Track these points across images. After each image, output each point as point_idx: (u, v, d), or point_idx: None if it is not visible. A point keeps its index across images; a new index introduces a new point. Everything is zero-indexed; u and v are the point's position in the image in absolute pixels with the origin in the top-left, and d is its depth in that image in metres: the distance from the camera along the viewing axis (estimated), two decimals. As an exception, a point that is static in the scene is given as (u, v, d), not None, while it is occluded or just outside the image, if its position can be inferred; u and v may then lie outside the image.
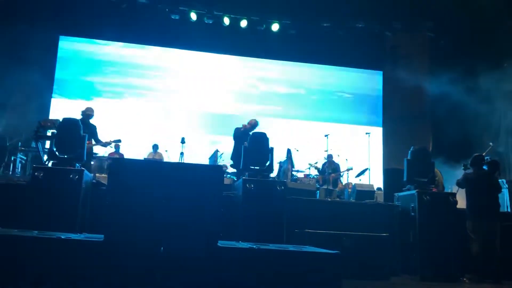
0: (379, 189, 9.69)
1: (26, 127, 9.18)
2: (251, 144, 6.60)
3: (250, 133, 8.26)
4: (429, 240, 6.29)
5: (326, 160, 10.89)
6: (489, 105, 11.01)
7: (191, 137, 10.80)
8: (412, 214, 6.51)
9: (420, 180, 6.74)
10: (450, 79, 11.54)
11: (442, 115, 11.99)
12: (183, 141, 9.77)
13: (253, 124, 8.53)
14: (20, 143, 10.00)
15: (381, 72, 14.30)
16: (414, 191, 6.57)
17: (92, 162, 8.75)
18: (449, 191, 8.17)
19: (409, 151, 7.02)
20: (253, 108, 13.50)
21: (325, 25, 12.83)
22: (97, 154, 9.54)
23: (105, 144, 8.38)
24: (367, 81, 14.35)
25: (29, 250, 3.36)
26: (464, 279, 6.31)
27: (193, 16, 12.55)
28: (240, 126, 8.58)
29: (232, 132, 8.55)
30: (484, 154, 7.26)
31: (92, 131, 8.07)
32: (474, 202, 6.68)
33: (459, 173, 7.37)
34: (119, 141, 8.71)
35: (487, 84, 10.83)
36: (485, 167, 6.88)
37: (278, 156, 9.03)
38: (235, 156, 8.32)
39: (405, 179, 6.92)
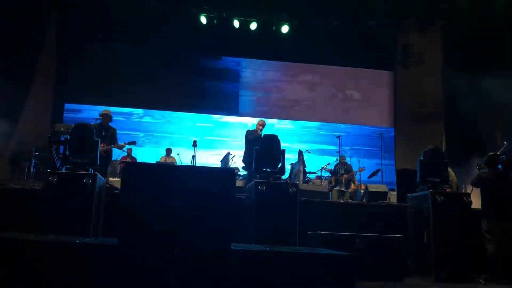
0: (391, 189, 9.62)
1: (40, 132, 9.30)
2: (262, 146, 6.60)
3: (259, 133, 8.33)
4: (443, 241, 6.22)
5: (337, 161, 10.86)
6: (504, 103, 10.87)
7: (203, 140, 10.86)
8: (426, 214, 6.45)
9: (433, 180, 6.67)
10: (463, 78, 11.43)
11: (455, 114, 11.88)
12: (195, 145, 9.82)
13: (264, 124, 8.59)
14: (34, 149, 10.13)
15: (392, 72, 14.20)
16: (427, 192, 6.50)
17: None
18: (463, 191, 8.09)
19: (422, 151, 6.96)
20: (263, 110, 13.50)
21: (335, 24, 12.76)
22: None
23: (120, 147, 8.41)
24: (379, 81, 14.26)
25: (45, 254, 3.40)
26: (480, 280, 6.22)
27: (203, 19, 12.60)
28: (251, 128, 8.61)
29: (244, 135, 8.59)
30: (499, 153, 7.16)
31: (112, 134, 8.12)
32: (489, 202, 6.60)
33: (473, 173, 7.28)
34: (134, 142, 8.73)
35: (501, 82, 10.70)
36: (500, 167, 6.79)
37: (290, 158, 9.02)
38: (247, 158, 8.35)
39: (418, 179, 6.86)
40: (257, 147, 6.67)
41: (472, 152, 10.04)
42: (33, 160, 10.30)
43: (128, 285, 3.36)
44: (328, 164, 11.15)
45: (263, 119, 9.11)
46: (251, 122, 8.93)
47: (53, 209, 5.55)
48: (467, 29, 12.21)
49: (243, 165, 8.52)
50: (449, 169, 7.43)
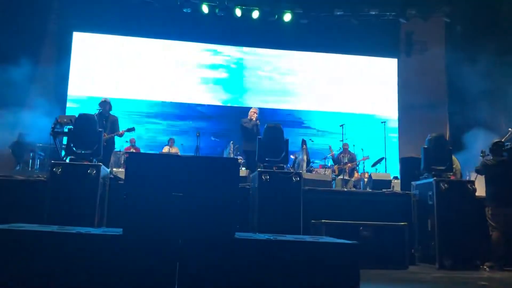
0: (395, 178, 9.60)
1: (43, 124, 9.30)
2: (266, 135, 6.60)
3: (257, 121, 8.37)
4: (447, 229, 6.23)
5: (341, 150, 10.83)
6: (508, 90, 10.80)
7: (205, 130, 10.86)
8: (430, 202, 6.45)
9: (437, 168, 6.66)
10: (466, 65, 11.34)
11: (459, 102, 11.82)
12: (198, 135, 9.82)
13: (257, 112, 8.64)
14: (37, 140, 10.15)
15: (396, 60, 14.12)
16: (431, 179, 6.50)
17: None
18: (467, 178, 8.07)
19: (426, 139, 6.94)
20: (266, 99, 13.47)
21: (338, 13, 12.67)
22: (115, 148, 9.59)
23: (120, 134, 8.35)
24: (382, 69, 14.18)
25: (50, 245, 3.41)
26: (484, 267, 6.24)
27: (205, 8, 12.53)
28: (246, 117, 8.66)
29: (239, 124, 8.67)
30: (503, 140, 7.13)
31: (112, 123, 8.06)
32: (493, 189, 6.60)
33: (478, 160, 7.26)
34: (133, 129, 8.71)
35: (505, 69, 10.62)
36: (504, 154, 6.77)
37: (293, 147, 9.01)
38: (244, 146, 8.48)
39: (422, 167, 6.85)
40: (259, 136, 6.67)
41: (476, 140, 10.00)
42: (37, 152, 10.33)
43: (132, 275, 3.37)
44: (331, 152, 11.11)
45: (256, 107, 9.13)
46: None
47: (58, 200, 5.59)
48: (471, 17, 12.10)
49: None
50: (453, 157, 7.41)
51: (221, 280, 3.43)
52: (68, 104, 12.55)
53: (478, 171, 6.86)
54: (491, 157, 6.80)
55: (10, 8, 10.70)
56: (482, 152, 7.08)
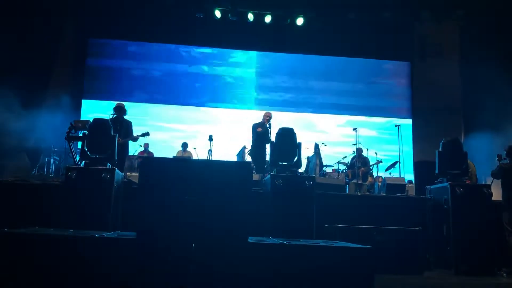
0: (410, 182, 9.52)
1: (58, 128, 9.41)
2: (278, 139, 6.59)
3: (267, 125, 8.42)
4: (463, 233, 6.15)
5: (355, 154, 10.78)
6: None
7: (219, 134, 10.87)
8: (445, 207, 6.37)
9: (452, 172, 6.59)
10: (481, 68, 11.22)
11: (474, 105, 11.68)
12: (210, 139, 9.85)
13: (270, 116, 8.67)
14: (53, 145, 10.28)
15: (409, 63, 14.02)
16: (446, 184, 6.42)
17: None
18: (483, 182, 7.96)
19: (441, 143, 6.87)
20: (278, 102, 13.47)
21: (350, 17, 12.63)
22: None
23: (134, 139, 8.41)
24: (396, 73, 14.09)
25: (65, 249, 3.44)
26: (501, 273, 6.14)
27: (218, 13, 12.58)
28: (258, 122, 8.72)
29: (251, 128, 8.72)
30: (520, 144, 7.03)
31: (127, 127, 8.13)
32: (510, 193, 6.49)
33: (494, 164, 7.16)
34: (148, 134, 8.75)
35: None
36: (521, 158, 6.67)
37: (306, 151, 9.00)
38: (254, 151, 8.53)
39: (437, 171, 6.78)
40: (272, 140, 6.67)
41: (491, 143, 9.87)
42: (52, 156, 10.46)
43: (146, 279, 3.39)
44: (345, 156, 11.06)
45: (270, 111, 9.17)
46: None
47: (72, 204, 5.64)
48: (485, 20, 11.97)
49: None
50: (468, 161, 7.32)
51: (234, 284, 3.42)
52: (83, 109, 12.69)
53: (494, 175, 6.76)
54: (508, 161, 6.70)
55: (26, 16, 10.86)
56: (498, 156, 6.98)
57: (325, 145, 10.60)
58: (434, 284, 5.45)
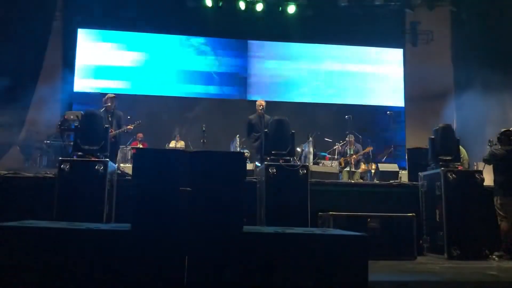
0: (402, 169, 9.56)
1: (50, 120, 9.36)
2: (271, 129, 6.58)
3: (261, 112, 8.43)
4: (456, 219, 6.21)
5: (346, 141, 10.78)
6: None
7: (212, 124, 10.83)
8: (438, 193, 6.42)
9: (445, 159, 6.63)
10: (473, 55, 11.24)
11: (466, 92, 11.72)
12: (203, 129, 9.81)
13: (263, 104, 8.66)
14: (45, 137, 10.20)
15: (401, 50, 14.02)
16: (439, 170, 6.46)
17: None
18: (475, 168, 8.02)
19: (433, 129, 6.90)
20: (271, 91, 13.44)
21: (342, 4, 12.58)
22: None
23: (126, 130, 8.37)
24: (388, 60, 14.08)
25: (59, 241, 3.44)
26: (493, 257, 6.22)
27: (208, 2, 12.48)
28: (252, 115, 8.74)
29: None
30: (511, 129, 7.06)
31: (118, 119, 8.10)
32: (502, 178, 6.55)
33: (485, 150, 7.20)
34: (140, 124, 8.66)
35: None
36: (513, 143, 6.71)
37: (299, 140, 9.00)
38: (249, 141, 8.53)
39: (429, 158, 6.82)
40: (266, 130, 6.66)
41: (483, 129, 9.93)
42: (45, 149, 10.39)
43: (141, 270, 3.39)
44: (336, 144, 11.07)
45: (262, 100, 9.15)
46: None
47: (66, 196, 5.63)
48: (476, 6, 11.97)
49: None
50: (460, 147, 7.37)
51: (229, 274, 3.44)
52: (75, 101, 12.58)
53: (486, 161, 6.81)
54: (499, 146, 6.75)
55: (15, 7, 10.71)
56: (489, 141, 7.01)
57: (318, 133, 10.61)
58: (427, 268, 5.52)
